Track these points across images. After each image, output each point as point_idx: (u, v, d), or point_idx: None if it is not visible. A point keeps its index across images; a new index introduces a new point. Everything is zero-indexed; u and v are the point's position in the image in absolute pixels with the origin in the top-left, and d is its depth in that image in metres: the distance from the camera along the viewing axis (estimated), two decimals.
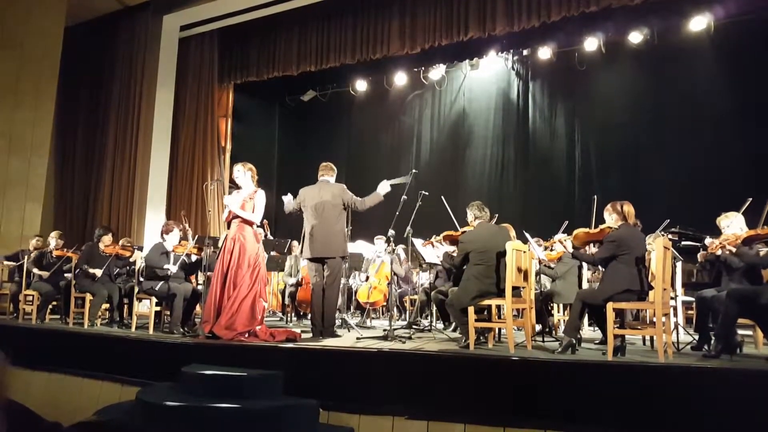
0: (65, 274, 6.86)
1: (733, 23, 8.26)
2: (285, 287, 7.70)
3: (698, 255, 4.97)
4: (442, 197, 5.66)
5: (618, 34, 9.00)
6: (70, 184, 10.67)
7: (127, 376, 4.87)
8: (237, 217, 5.08)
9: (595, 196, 5.19)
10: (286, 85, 11.39)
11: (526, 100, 10.29)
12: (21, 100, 9.00)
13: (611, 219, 4.46)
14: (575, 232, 4.73)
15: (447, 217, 5.73)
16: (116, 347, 5.32)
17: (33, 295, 6.77)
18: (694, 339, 4.70)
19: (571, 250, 4.73)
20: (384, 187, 5.42)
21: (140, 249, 7.07)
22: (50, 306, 6.94)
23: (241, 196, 5.18)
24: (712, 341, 4.16)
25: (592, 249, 5.02)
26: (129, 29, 10.37)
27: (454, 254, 5.43)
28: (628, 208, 4.50)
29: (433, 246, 6.15)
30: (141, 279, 6.11)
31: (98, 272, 6.32)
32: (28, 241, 7.65)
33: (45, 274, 6.84)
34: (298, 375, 4.20)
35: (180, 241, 6.19)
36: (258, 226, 5.29)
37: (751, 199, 4.62)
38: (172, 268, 5.85)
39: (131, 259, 6.65)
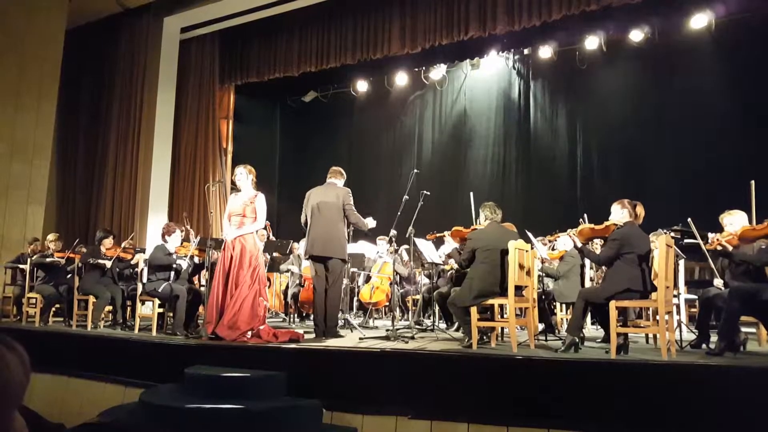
0: (67, 276, 6.87)
1: (734, 21, 8.25)
2: (287, 287, 7.71)
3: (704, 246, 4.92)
4: (471, 194, 5.63)
5: (619, 33, 8.98)
6: (71, 186, 10.68)
7: (130, 377, 4.89)
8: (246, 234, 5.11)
9: (585, 215, 5.13)
10: (287, 86, 11.39)
11: (527, 100, 10.29)
12: (23, 103, 9.01)
13: (620, 214, 4.43)
14: (580, 227, 4.72)
15: (448, 218, 5.73)
16: (119, 349, 5.33)
17: (36, 298, 6.79)
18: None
19: (579, 244, 4.70)
20: (371, 222, 5.54)
21: (143, 251, 7.08)
22: (53, 308, 6.95)
23: (241, 199, 5.19)
24: (716, 339, 4.15)
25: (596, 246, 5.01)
26: (130, 31, 10.38)
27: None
28: (640, 210, 4.49)
29: (444, 240, 6.12)
30: (144, 281, 6.11)
31: (108, 263, 6.33)
32: (27, 245, 7.67)
33: (60, 259, 6.85)
34: (302, 375, 4.21)
35: (182, 243, 6.19)
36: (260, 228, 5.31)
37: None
38: (183, 263, 5.89)
39: (133, 261, 6.66)
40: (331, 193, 5.43)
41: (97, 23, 10.56)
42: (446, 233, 5.93)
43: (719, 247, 4.35)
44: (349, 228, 5.56)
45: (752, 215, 4.68)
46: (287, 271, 7.74)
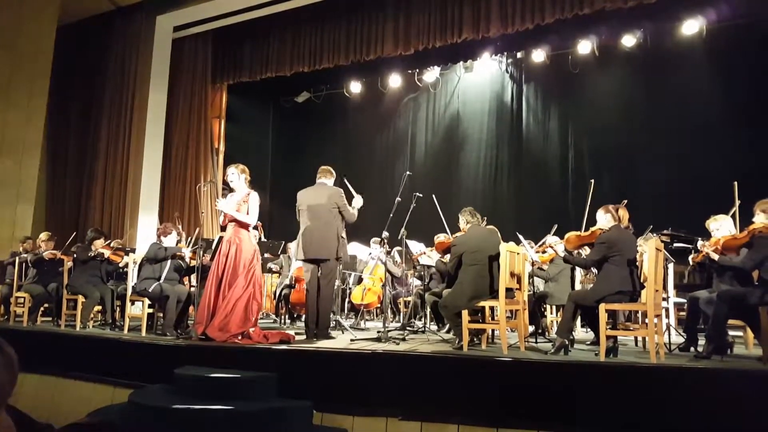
0: (58, 275, 6.82)
1: (725, 27, 8.32)
2: (278, 288, 7.69)
3: (689, 258, 5.02)
4: (433, 196, 5.67)
5: (611, 38, 9.04)
6: (62, 185, 10.60)
7: (119, 378, 4.86)
8: (234, 220, 5.07)
9: (592, 180, 5.17)
10: (280, 86, 11.37)
11: (519, 103, 10.33)
12: (13, 101, 8.94)
13: (604, 219, 4.49)
14: (567, 235, 4.76)
15: (440, 219, 5.74)
16: (109, 349, 5.30)
17: (24, 297, 6.73)
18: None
19: (562, 254, 4.76)
20: (358, 202, 5.49)
21: (132, 251, 7.04)
22: (42, 308, 6.90)
23: (235, 199, 5.17)
24: (704, 342, 4.19)
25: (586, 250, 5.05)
26: (122, 30, 10.32)
27: (445, 259, 5.48)
28: (623, 212, 4.55)
29: (429, 257, 6.25)
30: (134, 281, 6.08)
31: (106, 252, 6.37)
32: (19, 244, 7.61)
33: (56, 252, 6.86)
34: (292, 376, 4.20)
35: (176, 245, 6.16)
36: (252, 228, 5.28)
37: (739, 202, 4.69)
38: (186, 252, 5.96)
39: (120, 264, 6.63)
40: (322, 194, 5.42)
41: (89, 21, 10.49)
42: (427, 251, 6.05)
43: (707, 260, 4.44)
44: (344, 230, 5.54)
45: (736, 217, 4.73)
46: (272, 270, 7.70)
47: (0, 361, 1.12)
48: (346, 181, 5.60)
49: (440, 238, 5.98)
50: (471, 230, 4.94)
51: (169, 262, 5.94)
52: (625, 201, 4.91)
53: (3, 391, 1.12)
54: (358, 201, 5.51)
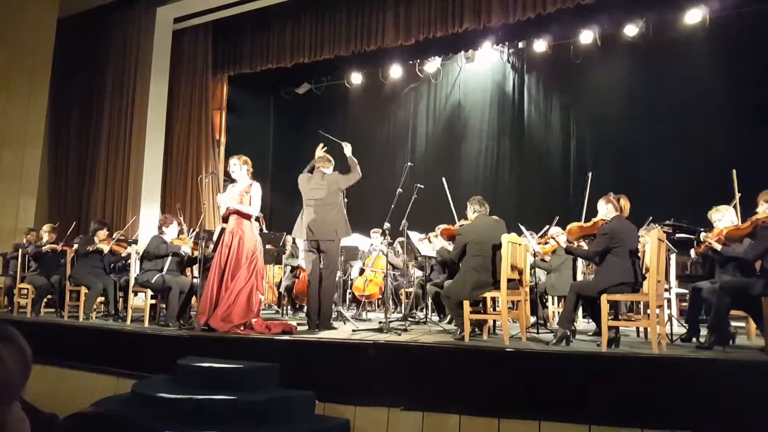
0: (60, 266, 6.83)
1: (729, 16, 8.26)
2: (281, 280, 7.70)
3: (692, 251, 5.02)
4: (443, 179, 5.62)
5: (613, 27, 8.98)
6: (64, 177, 10.61)
7: (122, 368, 4.88)
8: (235, 211, 5.08)
9: (590, 173, 5.19)
10: (281, 78, 11.33)
11: (521, 94, 10.28)
12: (14, 93, 8.94)
13: (606, 209, 4.48)
14: (569, 226, 4.75)
15: (442, 210, 5.73)
16: (112, 340, 5.33)
17: (28, 289, 6.76)
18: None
19: (564, 245, 4.75)
20: (347, 148, 5.63)
21: (135, 242, 7.05)
22: (45, 299, 6.92)
23: (237, 189, 5.17)
24: (705, 333, 4.19)
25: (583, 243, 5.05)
26: (122, 21, 10.28)
27: (450, 246, 5.46)
28: (625, 202, 4.53)
29: (429, 241, 6.22)
30: (136, 272, 6.10)
31: (105, 248, 6.41)
32: (22, 235, 7.63)
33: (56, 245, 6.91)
34: (294, 367, 4.22)
35: (178, 236, 6.17)
36: (254, 219, 5.29)
37: (740, 194, 4.69)
38: (187, 249, 5.99)
39: (123, 254, 6.64)
40: (322, 183, 5.43)
41: (90, 13, 10.44)
42: (431, 234, 6.02)
43: (710, 251, 4.44)
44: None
45: (737, 208, 4.73)
46: (292, 265, 7.65)
47: (13, 353, 1.10)
48: (325, 134, 5.69)
49: (441, 228, 5.98)
50: (478, 220, 4.92)
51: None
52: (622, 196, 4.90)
53: (15, 384, 1.10)
54: (347, 148, 5.59)
